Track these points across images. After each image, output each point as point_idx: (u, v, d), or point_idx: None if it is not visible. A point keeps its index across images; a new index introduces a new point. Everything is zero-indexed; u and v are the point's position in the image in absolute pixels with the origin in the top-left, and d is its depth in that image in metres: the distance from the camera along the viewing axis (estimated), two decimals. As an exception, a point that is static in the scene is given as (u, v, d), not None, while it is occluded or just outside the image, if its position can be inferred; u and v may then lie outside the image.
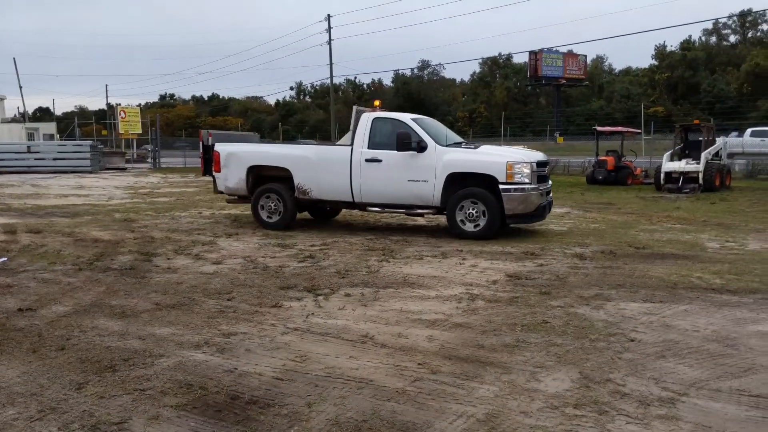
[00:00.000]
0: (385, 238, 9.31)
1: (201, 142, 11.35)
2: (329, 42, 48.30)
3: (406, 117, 9.89)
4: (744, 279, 6.38)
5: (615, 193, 17.43)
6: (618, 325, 4.85)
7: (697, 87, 62.02)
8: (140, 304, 5.66)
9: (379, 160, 9.53)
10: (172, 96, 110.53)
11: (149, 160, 38.04)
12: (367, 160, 9.59)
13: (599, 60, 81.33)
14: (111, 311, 5.41)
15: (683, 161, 18.14)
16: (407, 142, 9.26)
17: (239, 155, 10.62)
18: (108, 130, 47.83)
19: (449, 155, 9.27)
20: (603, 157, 20.94)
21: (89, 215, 12.47)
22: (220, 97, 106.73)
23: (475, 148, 9.77)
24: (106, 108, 66.78)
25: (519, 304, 5.54)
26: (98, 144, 35.66)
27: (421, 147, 9.29)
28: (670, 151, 19.17)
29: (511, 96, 74.03)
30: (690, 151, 18.77)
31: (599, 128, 22.59)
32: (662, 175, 18.04)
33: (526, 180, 8.91)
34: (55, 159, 29.58)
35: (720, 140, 19.43)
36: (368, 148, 9.62)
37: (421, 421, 3.27)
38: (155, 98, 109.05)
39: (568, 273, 6.79)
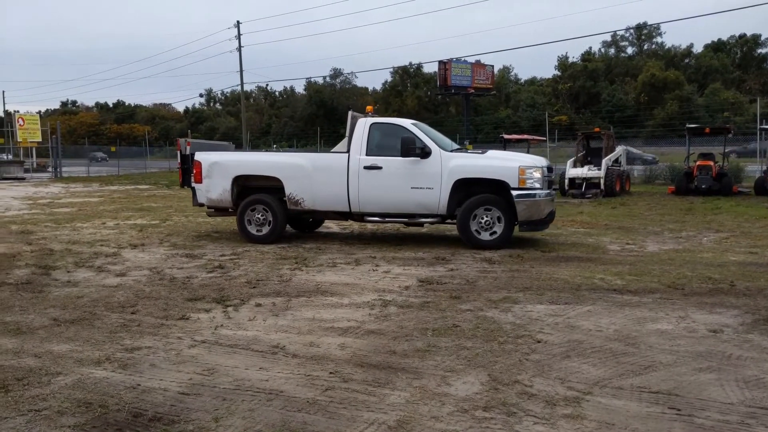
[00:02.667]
0: (298, 247, 9.22)
1: (179, 152, 10.59)
2: (239, 49, 47.56)
3: (406, 122, 9.54)
4: (643, 280, 6.75)
5: (524, 198, 18.08)
6: (525, 327, 5.02)
7: (598, 96, 65.70)
8: (37, 319, 5.31)
9: (380, 167, 9.06)
10: (74, 103, 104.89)
11: (50, 169, 35.91)
12: (366, 168, 9.10)
13: (506, 70, 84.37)
14: (5, 328, 5.05)
15: (585, 168, 19.14)
16: (412, 147, 8.89)
17: (224, 165, 9.83)
18: (5, 138, 44.77)
19: (456, 161, 8.93)
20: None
21: (-21, 227, 11.57)
22: (126, 104, 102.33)
23: (483, 152, 9.61)
24: (3, 115, 62.47)
25: (430, 308, 5.62)
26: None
27: (425, 152, 8.92)
28: (573, 158, 20.21)
29: (422, 105, 75.50)
30: (592, 157, 19.86)
31: (506, 136, 23.44)
32: (566, 181, 18.97)
33: (538, 185, 8.67)
34: (-55, 169, 27.51)
35: (620, 147, 20.65)
36: (366, 154, 9.14)
37: (332, 431, 3.24)
38: (56, 105, 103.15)
39: (477, 277, 6.96)
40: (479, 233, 8.84)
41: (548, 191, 8.96)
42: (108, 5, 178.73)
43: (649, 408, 3.49)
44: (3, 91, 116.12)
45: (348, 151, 9.35)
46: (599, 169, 18.54)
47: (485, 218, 8.79)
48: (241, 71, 48.48)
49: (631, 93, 64.67)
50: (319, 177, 9.37)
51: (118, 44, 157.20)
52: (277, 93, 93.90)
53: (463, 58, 56.62)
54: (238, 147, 49.31)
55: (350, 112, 9.92)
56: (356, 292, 6.31)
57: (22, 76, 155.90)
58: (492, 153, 9.74)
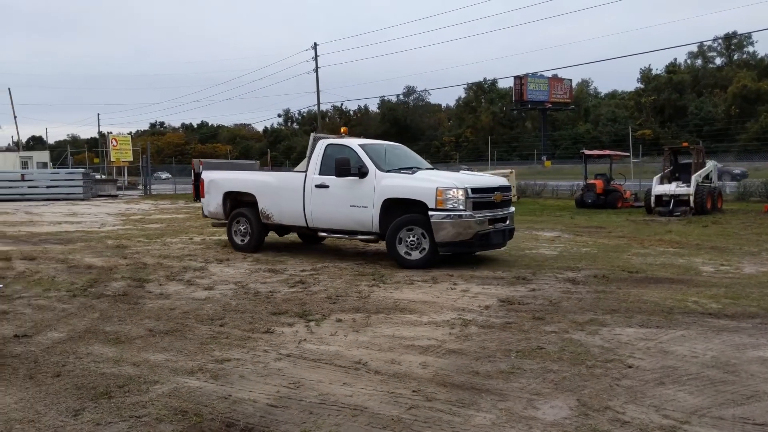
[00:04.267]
0: (375, 263, 9.30)
1: (193, 170, 11.90)
2: (316, 70, 48.74)
3: (353, 142, 9.82)
4: (741, 303, 6.37)
5: (605, 216, 17.53)
6: (614, 351, 4.83)
7: (684, 109, 62.84)
8: (134, 330, 5.61)
9: (327, 186, 9.58)
10: (162, 124, 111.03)
11: (140, 186, 38.05)
12: (316, 186, 9.69)
13: (584, 84, 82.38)
14: (105, 337, 5.36)
15: (673, 184, 18.29)
16: (346, 168, 9.21)
17: (217, 182, 11.20)
18: (100, 157, 47.89)
19: (386, 181, 9.12)
20: (592, 181, 21.12)
21: (82, 242, 12.39)
22: (209, 124, 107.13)
23: (412, 172, 9.43)
24: (98, 136, 66.96)
25: (513, 329, 5.52)
26: (90, 171, 35.68)
27: (362, 172, 9.24)
28: (660, 174, 19.35)
29: (497, 120, 74.70)
30: (680, 173, 18.95)
31: (587, 152, 22.81)
32: (653, 198, 18.18)
33: (460, 206, 8.58)
34: (48, 187, 29.73)
35: (710, 163, 19.64)
36: (320, 174, 9.70)
37: (418, 450, 3.23)
38: (146, 126, 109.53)
39: (561, 298, 6.78)
40: (405, 252, 8.94)
41: (473, 212, 8.69)
42: (195, 32, 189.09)
43: (755, 441, 3.28)
44: (98, 114, 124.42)
45: (306, 170, 10.03)
46: (688, 186, 17.67)
47: (411, 238, 8.89)
48: (318, 91, 49.70)
49: (720, 105, 61.49)
50: (283, 194, 10.19)
51: (203, 68, 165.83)
52: (351, 112, 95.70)
53: (539, 73, 55.66)
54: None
55: (312, 134, 10.58)
56: (435, 310, 6.29)
57: (115, 99, 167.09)
58: (420, 174, 9.43)
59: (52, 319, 5.99)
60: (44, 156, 41.89)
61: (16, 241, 12.64)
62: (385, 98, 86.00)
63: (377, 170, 9.23)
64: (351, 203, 9.35)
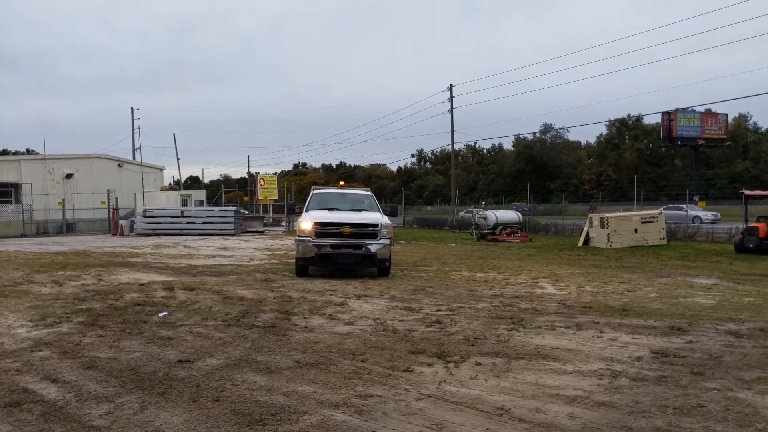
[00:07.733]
0: (513, 306, 9.10)
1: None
2: (451, 111, 49.15)
3: (313, 191, 14.97)
4: None
5: (770, 263, 15.82)
6: (790, 415, 4.32)
7: None
8: (282, 360, 5.92)
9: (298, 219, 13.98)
10: (304, 165, 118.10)
11: (283, 223, 40.39)
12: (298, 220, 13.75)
13: (742, 118, 75.81)
14: (257, 366, 5.71)
15: None
16: (292, 208, 15.17)
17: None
18: (249, 196, 51.57)
19: (300, 218, 13.32)
20: (754, 224, 19.24)
21: (234, 275, 13.37)
22: (347, 164, 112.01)
23: (305, 211, 13.67)
24: (247, 176, 72.48)
25: (668, 384, 5.12)
26: (241, 209, 38.49)
27: (301, 212, 13.88)
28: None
29: (642, 158, 70.64)
30: None
31: (747, 192, 20.85)
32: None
33: (307, 235, 12.41)
34: (203, 223, 32.40)
35: None
36: (306, 210, 13.73)
37: (568, 506, 3.08)
38: (289, 167, 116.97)
39: (722, 352, 6.19)
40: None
41: (315, 239, 12.35)
42: (338, 78, 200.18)
43: None
44: (248, 156, 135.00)
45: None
46: None
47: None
48: (452, 131, 50.11)
49: None
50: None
51: (343, 111, 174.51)
52: (484, 150, 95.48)
53: (690, 108, 52.08)
54: (447, 203, 50.54)
55: (313, 186, 15.73)
56: (580, 359, 6.01)
57: (263, 142, 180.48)
58: (309, 213, 13.21)
59: (210, 346, 6.50)
60: (201, 194, 45.75)
61: (177, 272, 13.93)
62: (521, 136, 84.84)
63: (304, 210, 13.71)
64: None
